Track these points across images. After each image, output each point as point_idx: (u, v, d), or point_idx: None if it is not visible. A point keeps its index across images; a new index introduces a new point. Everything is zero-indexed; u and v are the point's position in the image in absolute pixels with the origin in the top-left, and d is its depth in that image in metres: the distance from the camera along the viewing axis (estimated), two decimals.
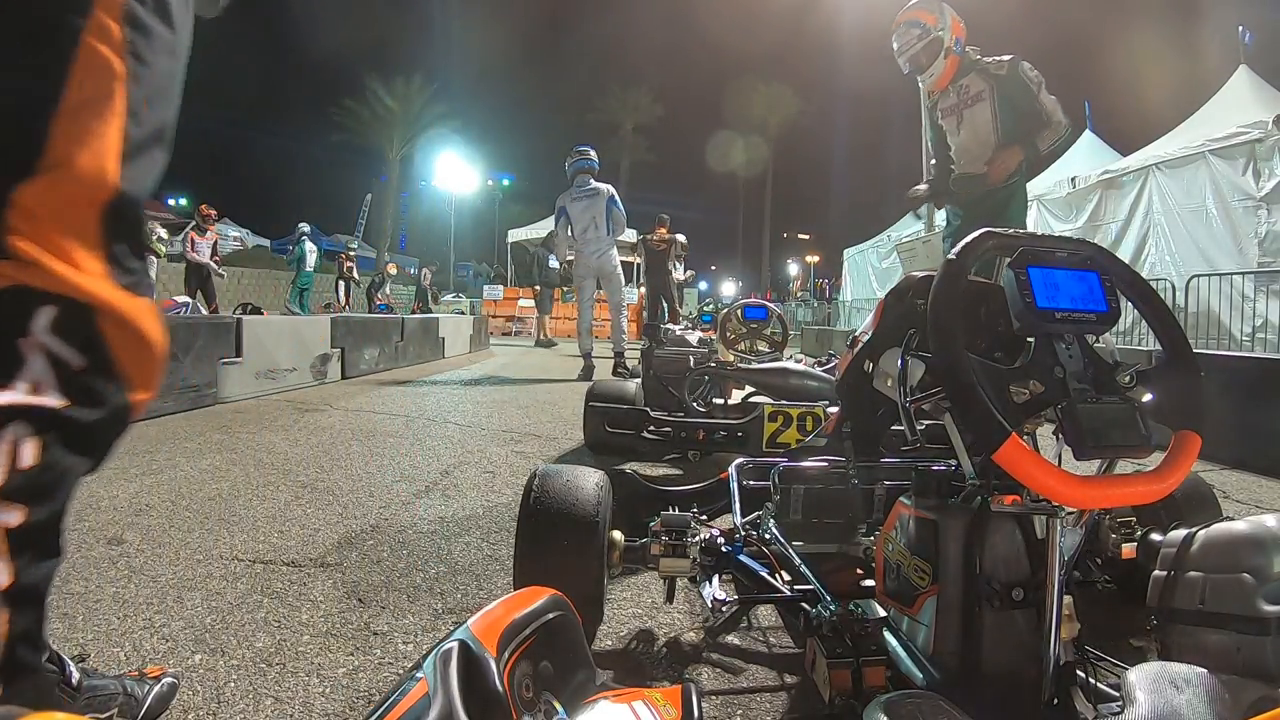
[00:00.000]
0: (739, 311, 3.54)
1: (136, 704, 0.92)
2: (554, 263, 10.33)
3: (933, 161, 3.65)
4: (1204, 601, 0.91)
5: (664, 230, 9.01)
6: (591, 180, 5.89)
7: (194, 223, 10.23)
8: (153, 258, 8.79)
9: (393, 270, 18.97)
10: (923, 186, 3.67)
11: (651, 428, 2.61)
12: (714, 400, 3.07)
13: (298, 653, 1.18)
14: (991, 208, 3.17)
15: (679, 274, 9.41)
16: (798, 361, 3.18)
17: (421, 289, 17.51)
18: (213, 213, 10.17)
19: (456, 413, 3.95)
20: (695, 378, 3.01)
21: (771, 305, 3.61)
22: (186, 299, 8.70)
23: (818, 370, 2.90)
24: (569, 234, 5.94)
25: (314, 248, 13.37)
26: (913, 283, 1.04)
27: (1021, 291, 0.81)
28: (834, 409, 2.79)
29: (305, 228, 13.49)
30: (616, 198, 5.87)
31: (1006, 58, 3.14)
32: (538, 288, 11.45)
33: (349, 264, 15.35)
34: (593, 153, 6.07)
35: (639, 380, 3.19)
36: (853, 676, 0.88)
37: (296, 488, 2.25)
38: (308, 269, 13.26)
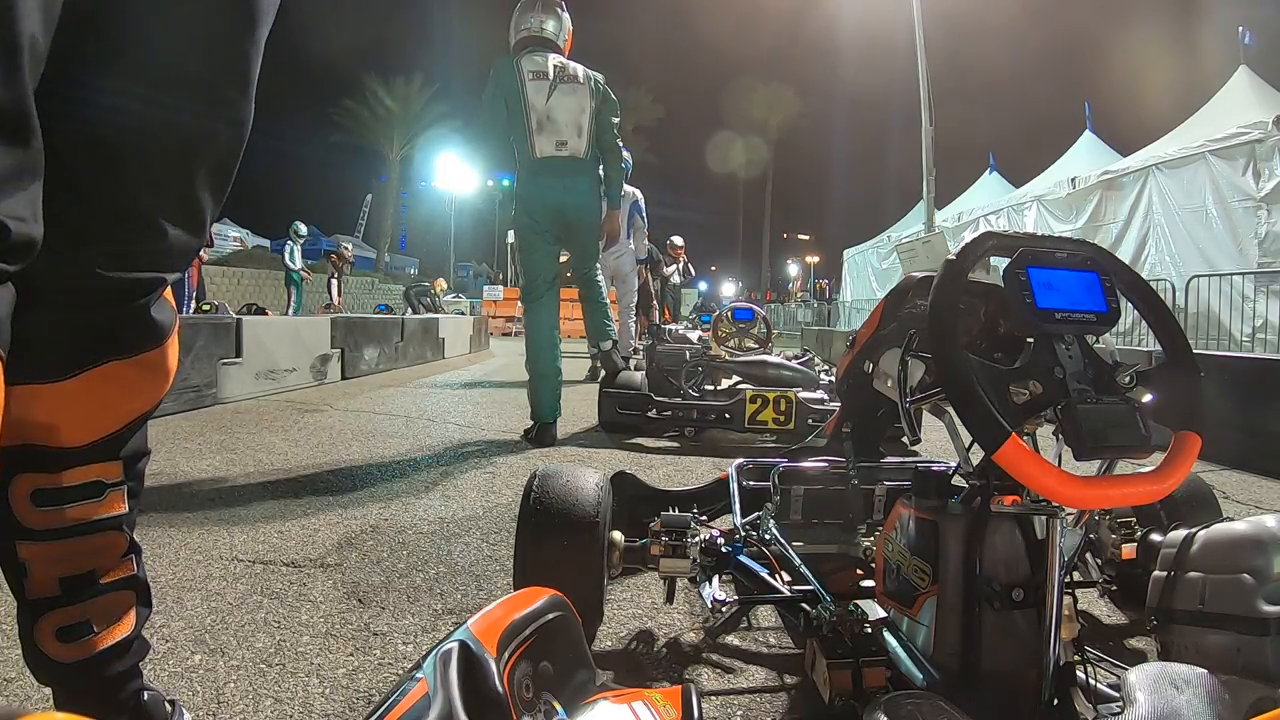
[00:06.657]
0: (729, 314, 4.05)
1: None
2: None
3: None
4: (1204, 602, 0.91)
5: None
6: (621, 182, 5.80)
7: None
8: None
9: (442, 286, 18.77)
10: None
11: (654, 410, 3.19)
12: (706, 387, 3.61)
13: (298, 653, 1.18)
14: None
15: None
16: (776, 356, 3.78)
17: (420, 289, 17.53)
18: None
19: (456, 413, 3.95)
20: (691, 368, 3.67)
21: (757, 309, 4.11)
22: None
23: (792, 363, 3.68)
24: None
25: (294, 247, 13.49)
26: (913, 283, 1.03)
27: (1021, 292, 0.81)
28: (805, 394, 3.16)
29: (301, 228, 13.61)
30: (641, 204, 5.65)
31: None
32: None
33: (340, 263, 15.33)
34: (628, 155, 6.02)
35: (644, 371, 3.74)
36: (853, 677, 0.88)
37: (296, 488, 2.25)
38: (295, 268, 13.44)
